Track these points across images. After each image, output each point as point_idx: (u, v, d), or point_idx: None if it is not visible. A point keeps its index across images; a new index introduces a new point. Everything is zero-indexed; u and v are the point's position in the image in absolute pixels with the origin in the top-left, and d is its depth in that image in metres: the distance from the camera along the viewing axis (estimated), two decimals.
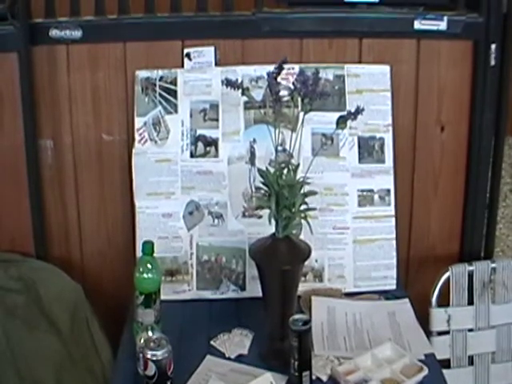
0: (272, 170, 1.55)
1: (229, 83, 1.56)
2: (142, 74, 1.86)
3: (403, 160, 1.93)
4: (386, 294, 1.83)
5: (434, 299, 1.86)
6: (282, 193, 1.50)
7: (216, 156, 1.84)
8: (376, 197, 1.86)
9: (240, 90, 1.57)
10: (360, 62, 1.91)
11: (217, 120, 1.85)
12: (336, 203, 1.84)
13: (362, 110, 1.53)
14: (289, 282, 1.57)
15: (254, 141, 1.83)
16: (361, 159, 1.86)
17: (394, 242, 1.86)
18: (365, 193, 1.85)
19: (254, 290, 1.74)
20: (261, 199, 1.55)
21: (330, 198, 1.82)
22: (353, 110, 1.54)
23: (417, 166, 2.00)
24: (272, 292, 1.58)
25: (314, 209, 1.57)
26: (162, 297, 1.64)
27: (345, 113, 1.56)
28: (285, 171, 1.53)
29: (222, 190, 1.83)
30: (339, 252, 1.85)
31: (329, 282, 1.84)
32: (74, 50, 1.86)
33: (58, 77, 1.87)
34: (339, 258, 1.85)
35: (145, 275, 1.61)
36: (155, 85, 1.85)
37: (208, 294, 1.83)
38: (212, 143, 1.84)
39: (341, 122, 1.55)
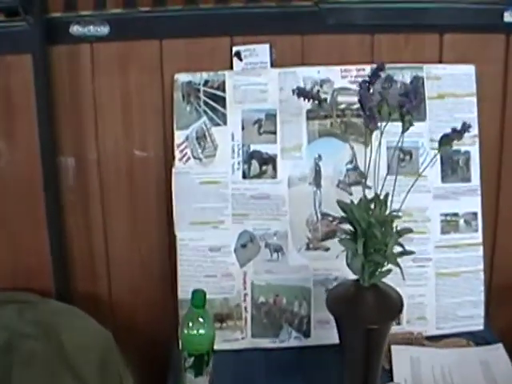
0: (352, 199, 1.36)
1: (301, 93, 1.35)
2: (182, 77, 1.64)
3: (487, 177, 1.71)
4: (474, 337, 1.64)
5: None
6: (372, 232, 1.28)
7: (274, 177, 1.63)
8: (461, 222, 1.67)
9: (316, 102, 1.35)
10: (441, 61, 1.69)
11: (274, 133, 1.64)
12: (416, 231, 1.60)
13: (469, 126, 1.31)
14: (375, 343, 1.35)
15: (319, 157, 1.63)
16: (443, 177, 1.66)
17: (482, 274, 1.67)
18: (449, 217, 1.66)
19: (321, 336, 1.60)
20: (344, 241, 1.33)
21: (409, 225, 1.56)
22: (459, 127, 1.31)
23: (503, 184, 1.78)
24: (353, 353, 1.36)
25: (412, 252, 1.36)
26: None
27: (449, 130, 1.33)
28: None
29: (282, 217, 1.63)
30: (420, 288, 1.66)
31: (408, 324, 1.66)
32: (99, 49, 1.64)
33: (80, 82, 1.65)
34: (420, 296, 1.66)
35: (195, 332, 1.40)
36: (199, 90, 1.64)
37: (265, 343, 1.64)
38: (269, 161, 1.64)
39: (444, 143, 1.33)
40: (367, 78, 1.32)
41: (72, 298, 1.72)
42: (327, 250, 1.62)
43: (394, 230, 1.32)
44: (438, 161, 1.65)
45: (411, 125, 1.31)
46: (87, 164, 1.70)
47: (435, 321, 1.66)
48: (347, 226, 1.33)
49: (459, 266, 1.67)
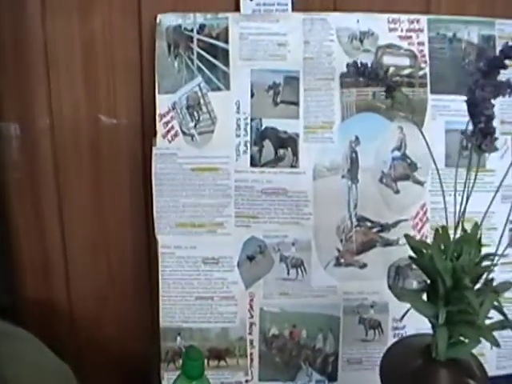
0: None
1: (359, 71, 1.08)
2: (167, 19, 1.36)
3: None
4: None
5: None
6: (461, 296, 1.02)
7: (294, 165, 1.39)
8: None
9: (385, 87, 1.09)
10: None
11: (296, 104, 1.38)
12: None
13: None
14: None
15: (357, 140, 1.40)
16: None
17: None
18: None
19: (351, 380, 1.44)
20: (418, 304, 1.07)
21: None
22: None
23: None
24: None
25: None
26: None
27: None
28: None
29: (304, 221, 1.40)
30: None
31: None
32: None
33: (27, 25, 1.37)
34: None
35: None
36: (191, 39, 1.36)
37: None
38: (288, 143, 1.39)
39: None
40: (483, 67, 1.00)
41: (19, 314, 1.50)
42: (363, 266, 1.41)
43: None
44: (509, 150, 1.45)
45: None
46: (37, 133, 1.43)
47: (496, 359, 1.49)
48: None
49: None
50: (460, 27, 1.39)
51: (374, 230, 1.38)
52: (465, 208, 1.06)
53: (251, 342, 1.42)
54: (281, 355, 1.43)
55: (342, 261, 1.41)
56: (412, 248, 1.09)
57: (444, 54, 1.38)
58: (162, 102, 1.35)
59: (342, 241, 1.41)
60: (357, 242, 1.40)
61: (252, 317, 1.41)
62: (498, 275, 1.37)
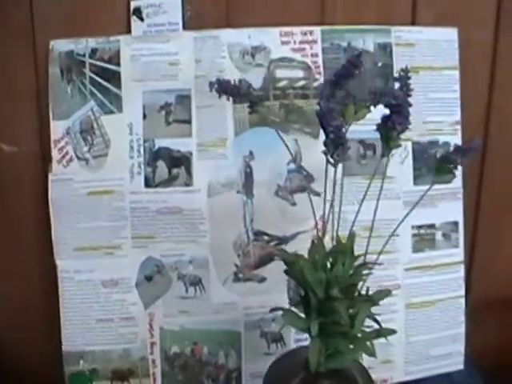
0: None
1: (222, 88, 1.11)
2: (59, 45, 1.38)
3: (469, 175, 1.52)
4: (452, 380, 1.53)
5: None
6: (332, 307, 1.04)
7: (188, 183, 1.40)
8: (439, 235, 1.50)
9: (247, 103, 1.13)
10: (414, 22, 1.49)
11: (188, 122, 1.40)
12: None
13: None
14: None
15: (251, 155, 1.42)
16: (417, 178, 1.48)
17: (463, 301, 1.53)
18: (422, 230, 1.49)
19: None
20: (289, 317, 1.09)
21: (371, 243, 1.38)
22: None
23: (485, 183, 1.60)
24: None
25: (393, 331, 1.13)
26: None
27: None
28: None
29: (200, 238, 1.41)
30: (386, 325, 1.45)
31: (369, 370, 1.45)
32: None
33: None
34: None
35: None
36: (83, 64, 1.39)
37: None
38: (181, 162, 1.41)
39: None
40: (332, 77, 1.04)
41: None
42: (262, 280, 1.42)
43: (363, 291, 1.09)
44: (410, 155, 1.47)
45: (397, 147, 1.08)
46: None
47: (403, 364, 1.52)
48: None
49: (435, 293, 1.52)
50: (355, 36, 1.41)
51: (272, 243, 1.39)
52: (355, 218, 1.09)
53: (153, 361, 1.42)
54: (183, 373, 1.43)
55: (241, 276, 1.42)
56: (284, 261, 1.09)
57: (338, 63, 1.35)
58: (57, 128, 1.37)
59: (239, 256, 1.41)
60: (255, 257, 1.41)
61: (152, 336, 1.42)
62: (406, 280, 1.46)
